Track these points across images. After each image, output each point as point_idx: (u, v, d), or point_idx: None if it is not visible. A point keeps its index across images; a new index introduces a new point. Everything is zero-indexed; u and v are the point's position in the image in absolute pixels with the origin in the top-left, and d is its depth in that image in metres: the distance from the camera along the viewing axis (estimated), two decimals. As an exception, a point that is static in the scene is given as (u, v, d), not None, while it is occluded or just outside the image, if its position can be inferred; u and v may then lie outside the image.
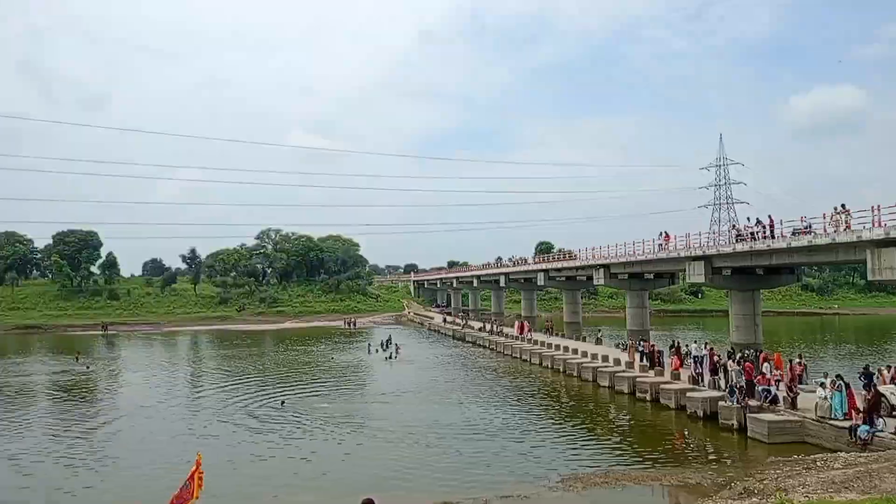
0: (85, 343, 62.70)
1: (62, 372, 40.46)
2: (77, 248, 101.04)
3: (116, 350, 57.27)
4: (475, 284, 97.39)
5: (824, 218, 31.02)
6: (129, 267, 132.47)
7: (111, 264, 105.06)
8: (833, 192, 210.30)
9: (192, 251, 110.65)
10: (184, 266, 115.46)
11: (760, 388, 22.23)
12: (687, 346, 34.71)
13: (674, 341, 38.78)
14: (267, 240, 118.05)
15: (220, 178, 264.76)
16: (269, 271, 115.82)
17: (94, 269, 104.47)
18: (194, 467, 9.75)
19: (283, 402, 27.68)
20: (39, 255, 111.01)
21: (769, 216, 35.87)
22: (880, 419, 17.84)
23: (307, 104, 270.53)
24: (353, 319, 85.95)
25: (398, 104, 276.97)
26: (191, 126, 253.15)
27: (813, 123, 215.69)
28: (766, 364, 24.88)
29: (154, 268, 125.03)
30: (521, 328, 54.12)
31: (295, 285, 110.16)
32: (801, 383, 24.30)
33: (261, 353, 50.91)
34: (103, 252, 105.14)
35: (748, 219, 38.84)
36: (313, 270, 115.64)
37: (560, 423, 23.52)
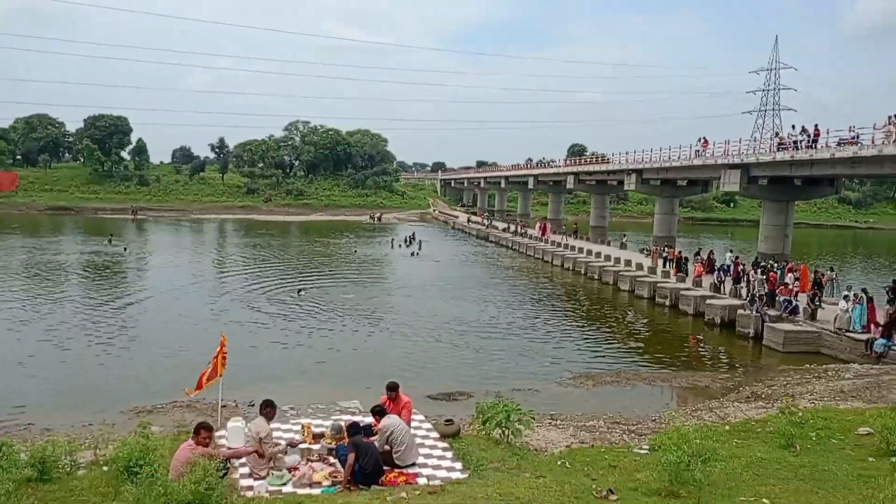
0: (115, 226, 64.38)
1: (95, 252, 41.84)
2: (108, 132, 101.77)
3: (146, 234, 58.85)
4: (503, 185, 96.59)
5: (874, 128, 29.72)
6: (159, 154, 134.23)
7: (141, 150, 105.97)
8: (890, 102, 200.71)
9: (221, 140, 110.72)
10: (212, 155, 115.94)
11: (781, 298, 22.23)
12: (711, 252, 34.56)
13: (699, 248, 38.54)
14: (295, 132, 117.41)
15: (251, 68, 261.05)
16: (296, 163, 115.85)
17: (124, 154, 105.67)
18: (219, 347, 10.19)
19: (300, 291, 28.44)
20: (71, 139, 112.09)
21: (815, 125, 34.41)
22: (900, 334, 17.84)
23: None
24: (378, 214, 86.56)
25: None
26: (224, 14, 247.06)
27: (881, 24, 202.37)
28: (790, 275, 24.75)
29: (183, 156, 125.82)
30: (544, 229, 54.02)
31: (321, 178, 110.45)
32: (830, 295, 24.25)
33: (286, 244, 51.90)
34: (133, 138, 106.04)
35: (793, 127, 37.25)
36: (340, 164, 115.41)
37: (578, 325, 23.95)
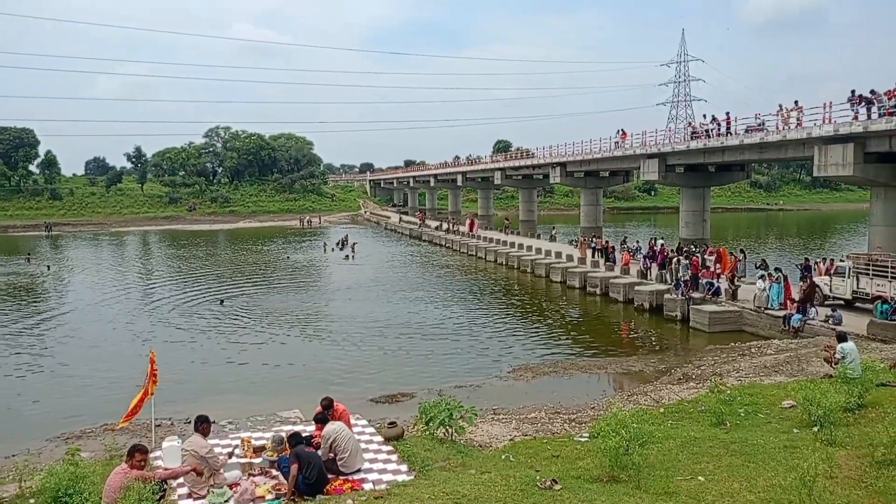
0: (28, 244, 60.93)
1: (12, 273, 39.38)
2: (12, 146, 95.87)
3: (63, 250, 55.90)
4: (432, 184, 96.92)
5: (777, 114, 31.40)
6: (71, 166, 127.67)
7: (51, 163, 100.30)
8: (792, 89, 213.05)
9: (138, 150, 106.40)
10: (129, 165, 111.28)
11: (704, 281, 23.18)
12: (637, 242, 35.70)
13: (624, 237, 39.74)
14: (216, 138, 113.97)
15: (165, 73, 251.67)
16: (219, 170, 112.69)
17: (32, 167, 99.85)
18: (150, 365, 9.80)
19: (222, 302, 27.74)
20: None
21: (726, 113, 36.01)
22: (813, 308, 18.91)
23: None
24: (308, 218, 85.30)
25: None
26: (130, 20, 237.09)
27: (773, 20, 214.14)
28: (710, 258, 25.83)
29: (97, 167, 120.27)
30: (472, 225, 54.67)
31: (247, 185, 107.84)
32: (743, 276, 25.44)
33: (213, 253, 50.43)
34: (41, 150, 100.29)
35: (704, 116, 39.01)
36: (265, 169, 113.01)
37: (513, 318, 24.27)
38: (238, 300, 28.19)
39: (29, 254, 48.35)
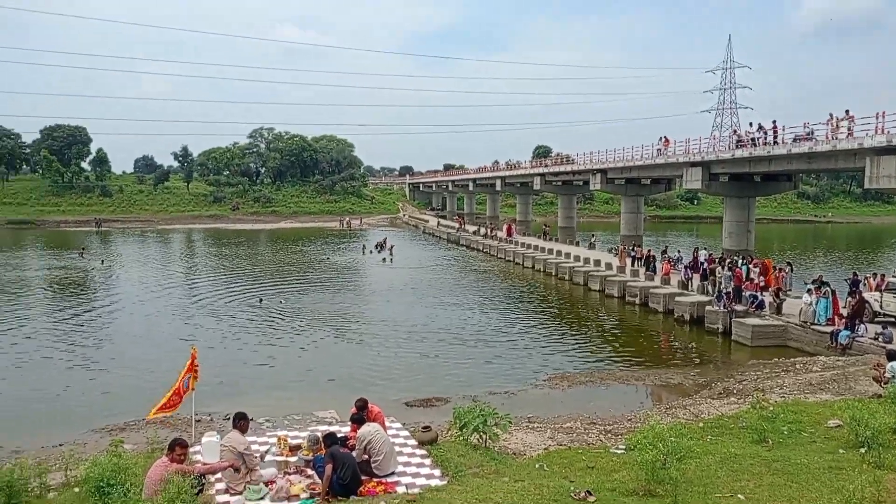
0: (79, 239, 62.96)
1: (65, 267, 40.68)
2: (66, 143, 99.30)
3: (112, 246, 57.61)
4: (471, 188, 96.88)
5: (827, 124, 30.48)
6: (121, 164, 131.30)
7: (102, 160, 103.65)
8: (845, 97, 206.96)
9: (184, 149, 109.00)
10: (175, 164, 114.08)
11: (748, 293, 22.65)
12: (679, 252, 35.12)
13: (665, 247, 39.10)
14: (259, 139, 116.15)
15: (209, 74, 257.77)
16: (262, 171, 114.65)
17: (84, 165, 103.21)
18: (190, 361, 10.00)
19: (261, 300, 28.17)
20: (28, 151, 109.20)
21: (773, 122, 35.12)
22: (862, 325, 18.32)
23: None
24: (348, 220, 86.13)
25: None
26: (174, 20, 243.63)
27: (826, 24, 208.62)
28: (754, 270, 25.24)
29: (146, 165, 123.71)
30: (509, 230, 54.43)
31: (289, 185, 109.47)
32: (788, 290, 24.79)
33: (255, 253, 51.31)
34: (93, 148, 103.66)
35: (750, 124, 38.02)
36: (307, 171, 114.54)
37: (550, 326, 24.09)
38: (277, 300, 28.61)
39: (83, 248, 49.79)
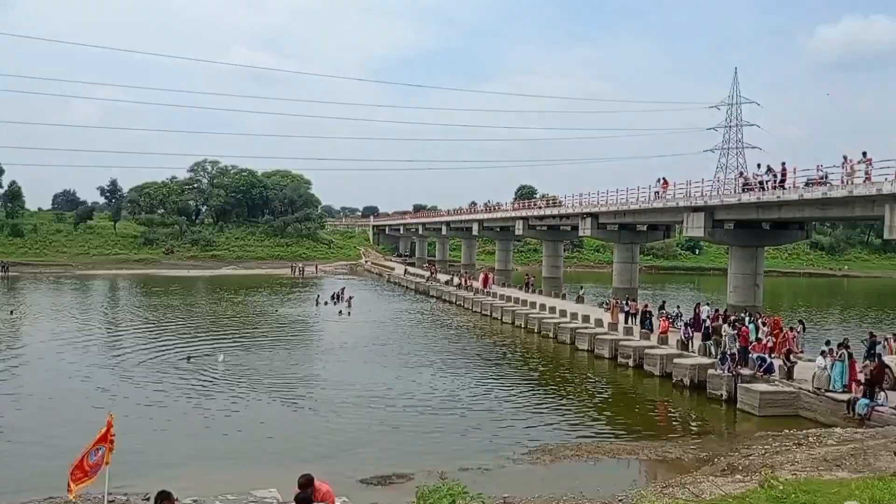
0: (-18, 286, 61.55)
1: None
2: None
3: (20, 294, 56.37)
4: (444, 232, 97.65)
5: (842, 167, 31.33)
6: (37, 199, 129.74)
7: (14, 195, 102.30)
8: (860, 137, 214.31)
9: (113, 183, 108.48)
10: (102, 200, 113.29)
11: (755, 355, 22.90)
12: (678, 307, 35.54)
13: (663, 301, 39.54)
14: (202, 173, 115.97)
15: (148, 99, 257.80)
16: (203, 209, 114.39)
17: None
18: (105, 429, 9.73)
19: (189, 359, 27.70)
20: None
21: (782, 163, 36.12)
22: (882, 393, 18.57)
23: (254, 15, 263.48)
24: (301, 266, 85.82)
25: (361, 19, 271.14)
26: (112, 38, 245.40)
27: (840, 58, 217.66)
28: (763, 329, 25.60)
29: (66, 201, 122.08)
30: (486, 280, 54.79)
31: (234, 226, 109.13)
32: (800, 352, 25.15)
33: (191, 303, 50.62)
34: (5, 181, 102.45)
35: (758, 166, 39.20)
36: (256, 210, 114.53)
37: (532, 391, 24.01)
38: (212, 359, 28.13)
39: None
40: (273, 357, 29.09)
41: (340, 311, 45.60)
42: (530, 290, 52.60)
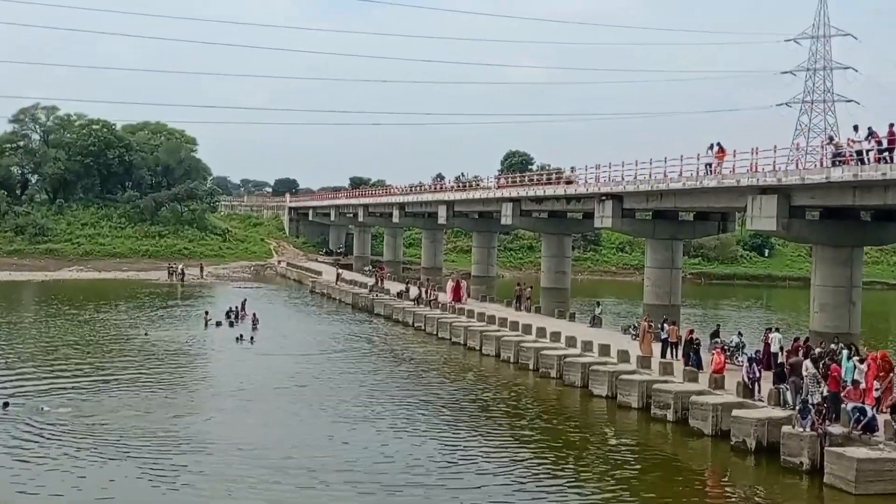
0: None
1: None
2: None
3: None
4: (396, 219, 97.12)
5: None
6: None
7: None
8: None
9: None
10: None
11: (850, 405, 23.11)
12: (739, 334, 35.87)
13: (717, 326, 39.88)
14: (32, 125, 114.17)
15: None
16: (33, 180, 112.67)
17: None
18: None
19: (6, 405, 27.24)
20: None
21: (890, 125, 36.19)
22: None
23: None
24: (182, 268, 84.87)
25: None
26: None
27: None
28: (861, 368, 25.83)
29: None
30: (457, 291, 54.77)
31: (80, 207, 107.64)
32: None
33: (13, 321, 50.01)
34: None
35: (855, 128, 39.15)
36: (113, 182, 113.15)
37: (526, 458, 23.98)
38: (44, 403, 27.70)
39: None
40: (137, 404, 28.65)
41: (240, 336, 45.18)
42: (523, 307, 52.54)
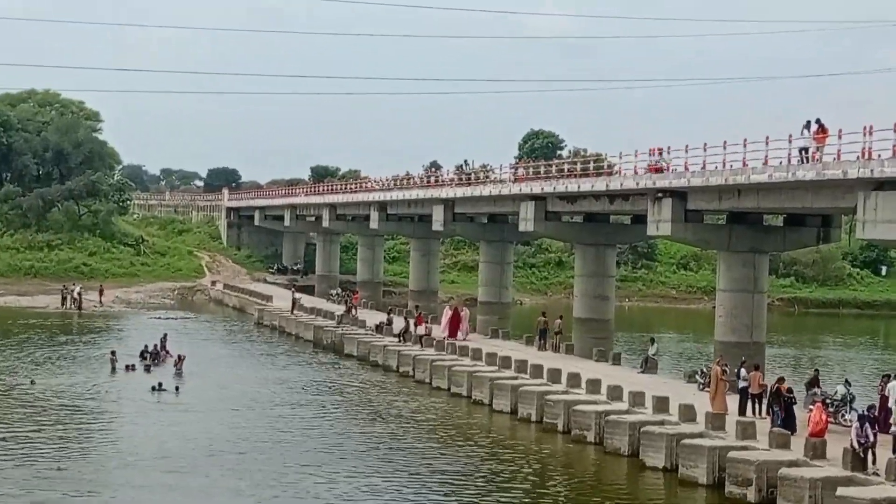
0: None
1: None
2: None
3: None
4: (375, 224, 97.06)
5: None
6: None
7: None
8: None
9: None
10: None
11: None
12: (847, 383, 35.95)
13: (816, 371, 39.97)
14: None
15: None
16: None
17: None
18: None
19: None
20: None
21: None
22: None
23: None
24: (79, 290, 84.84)
25: None
26: None
27: None
28: None
29: None
30: (454, 321, 54.87)
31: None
32: None
33: None
34: None
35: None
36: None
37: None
38: None
39: None
40: (19, 478, 28.72)
41: (160, 386, 45.13)
42: (549, 346, 52.60)
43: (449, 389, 46.23)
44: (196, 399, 42.87)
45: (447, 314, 57.11)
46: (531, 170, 78.43)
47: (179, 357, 49.81)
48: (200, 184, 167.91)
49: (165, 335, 55.54)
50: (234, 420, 38.56)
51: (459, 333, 54.64)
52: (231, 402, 42.45)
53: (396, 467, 32.11)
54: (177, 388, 45.06)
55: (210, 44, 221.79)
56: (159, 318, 76.40)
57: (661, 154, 57.09)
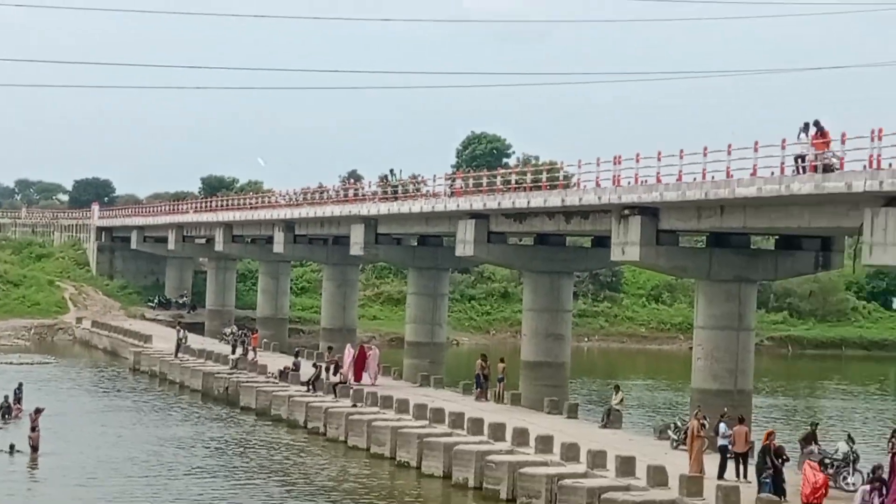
0: None
1: None
2: None
3: None
4: (280, 247, 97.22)
5: None
6: None
7: None
8: None
9: None
10: None
11: None
12: (850, 439, 36.30)
13: (813, 425, 40.39)
14: None
15: None
16: None
17: None
18: None
19: None
20: None
21: None
22: None
23: None
24: None
25: None
26: None
27: None
28: None
29: None
30: (360, 362, 55.05)
31: None
32: None
33: None
34: None
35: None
36: None
37: None
38: None
39: None
40: None
41: (12, 448, 44.84)
42: (490, 396, 52.73)
43: (368, 449, 46.07)
44: (55, 465, 42.51)
45: (349, 353, 57.03)
46: (471, 181, 78.73)
47: (35, 413, 49.18)
48: (65, 198, 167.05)
49: (20, 385, 55.13)
50: (102, 493, 38.21)
51: (366, 376, 54.67)
52: (98, 469, 42.13)
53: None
54: (34, 451, 44.57)
55: (72, 27, 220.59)
56: (11, 363, 75.90)
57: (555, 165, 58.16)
